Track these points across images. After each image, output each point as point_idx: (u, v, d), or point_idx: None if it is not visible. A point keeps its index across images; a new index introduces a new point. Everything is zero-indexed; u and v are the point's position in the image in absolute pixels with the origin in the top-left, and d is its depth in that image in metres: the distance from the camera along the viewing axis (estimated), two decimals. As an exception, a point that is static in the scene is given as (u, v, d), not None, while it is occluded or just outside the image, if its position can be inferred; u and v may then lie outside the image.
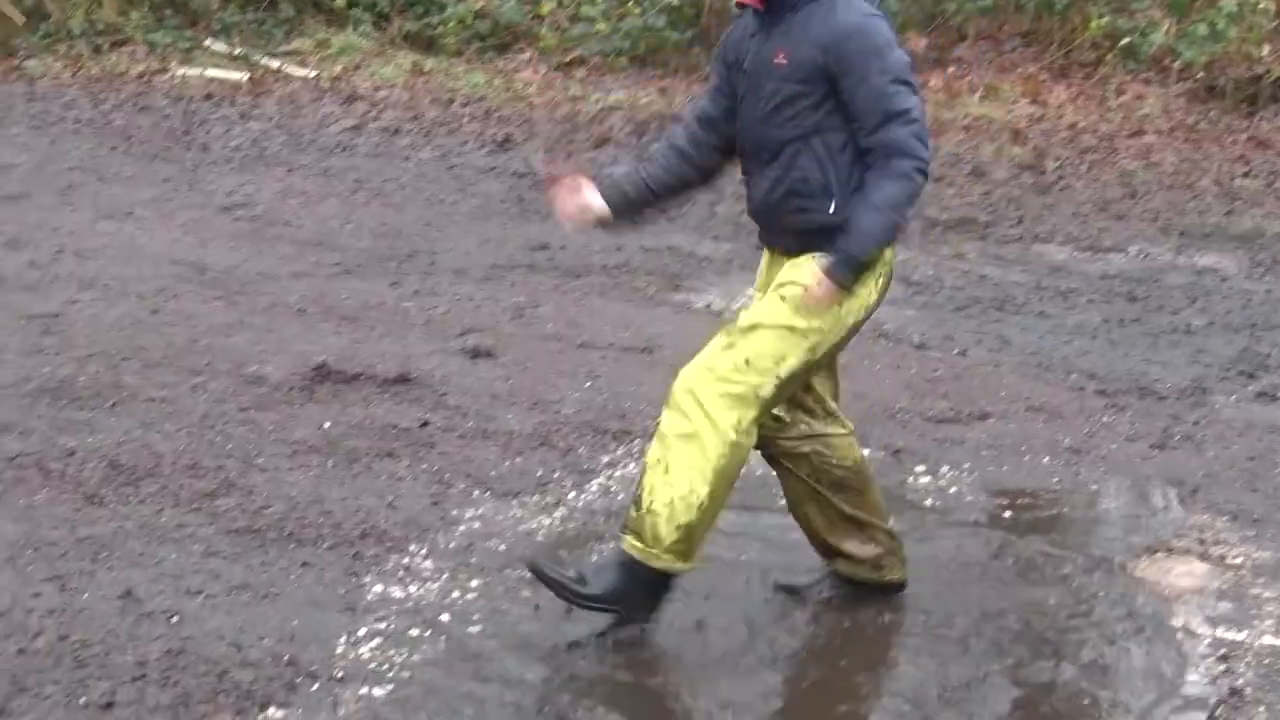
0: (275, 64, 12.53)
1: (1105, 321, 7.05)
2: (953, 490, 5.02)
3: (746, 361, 3.68)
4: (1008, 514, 4.88)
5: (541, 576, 3.83)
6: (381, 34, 13.19)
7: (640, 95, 12.02)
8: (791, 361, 3.68)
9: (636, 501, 3.77)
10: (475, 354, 6.11)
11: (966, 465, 5.20)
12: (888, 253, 3.77)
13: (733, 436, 3.67)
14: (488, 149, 10.47)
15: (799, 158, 3.71)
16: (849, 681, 3.84)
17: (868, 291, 3.75)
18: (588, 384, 5.83)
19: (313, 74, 12.36)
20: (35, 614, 3.81)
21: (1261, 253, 8.31)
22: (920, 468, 5.17)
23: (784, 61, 3.68)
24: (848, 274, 3.64)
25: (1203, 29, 11.64)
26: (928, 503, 4.93)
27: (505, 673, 3.74)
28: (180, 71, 12.26)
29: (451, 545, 4.43)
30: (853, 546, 4.02)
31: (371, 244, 7.91)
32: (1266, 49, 11.72)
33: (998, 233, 8.70)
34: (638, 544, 3.75)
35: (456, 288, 7.15)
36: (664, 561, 3.74)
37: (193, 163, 9.69)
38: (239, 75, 12.21)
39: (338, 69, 12.51)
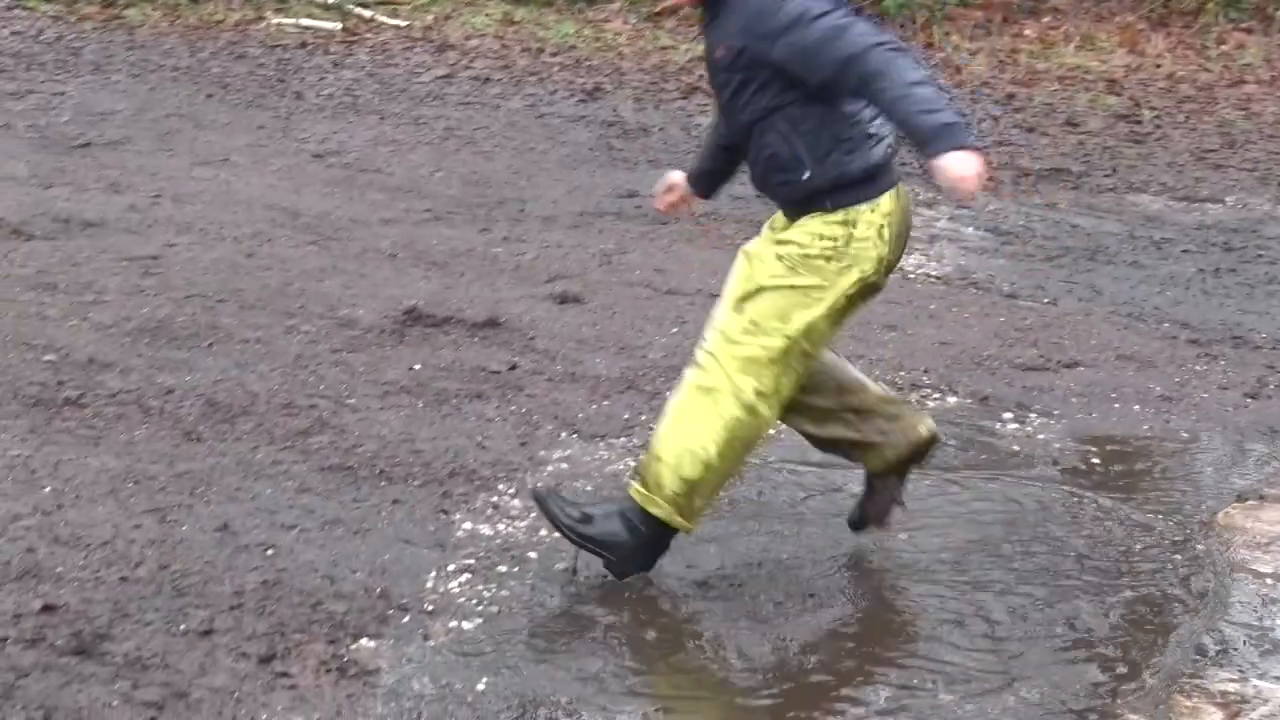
0: (368, 13, 12.59)
1: (1200, 271, 6.96)
2: (1041, 437, 4.99)
3: (754, 323, 3.70)
4: (1096, 460, 4.86)
5: (543, 508, 3.89)
6: (474, -18, 13.19)
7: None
8: (798, 320, 3.68)
9: (649, 446, 3.82)
10: (563, 299, 6.15)
11: (1055, 412, 5.18)
12: (886, 205, 3.71)
13: (750, 398, 3.69)
14: (577, 98, 10.47)
15: (766, 136, 3.70)
16: (925, 618, 3.85)
17: (869, 247, 3.69)
18: (674, 330, 5.84)
19: (405, 23, 12.41)
20: (136, 544, 3.90)
21: (1365, 202, 8.18)
22: (1008, 414, 5.16)
23: (722, 54, 3.70)
24: (960, 136, 3.46)
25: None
26: (1015, 448, 4.91)
27: (588, 609, 3.80)
28: (275, 20, 12.35)
29: (539, 485, 4.48)
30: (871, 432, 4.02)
31: (461, 191, 7.96)
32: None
33: (1091, 183, 8.60)
34: (640, 489, 3.79)
35: (545, 234, 7.18)
36: (662, 510, 3.77)
37: (286, 110, 9.77)
38: (332, 24, 12.28)
39: (429, 18, 12.54)
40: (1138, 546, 4.22)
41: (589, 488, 4.46)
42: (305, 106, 9.95)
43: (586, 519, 3.85)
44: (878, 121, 3.70)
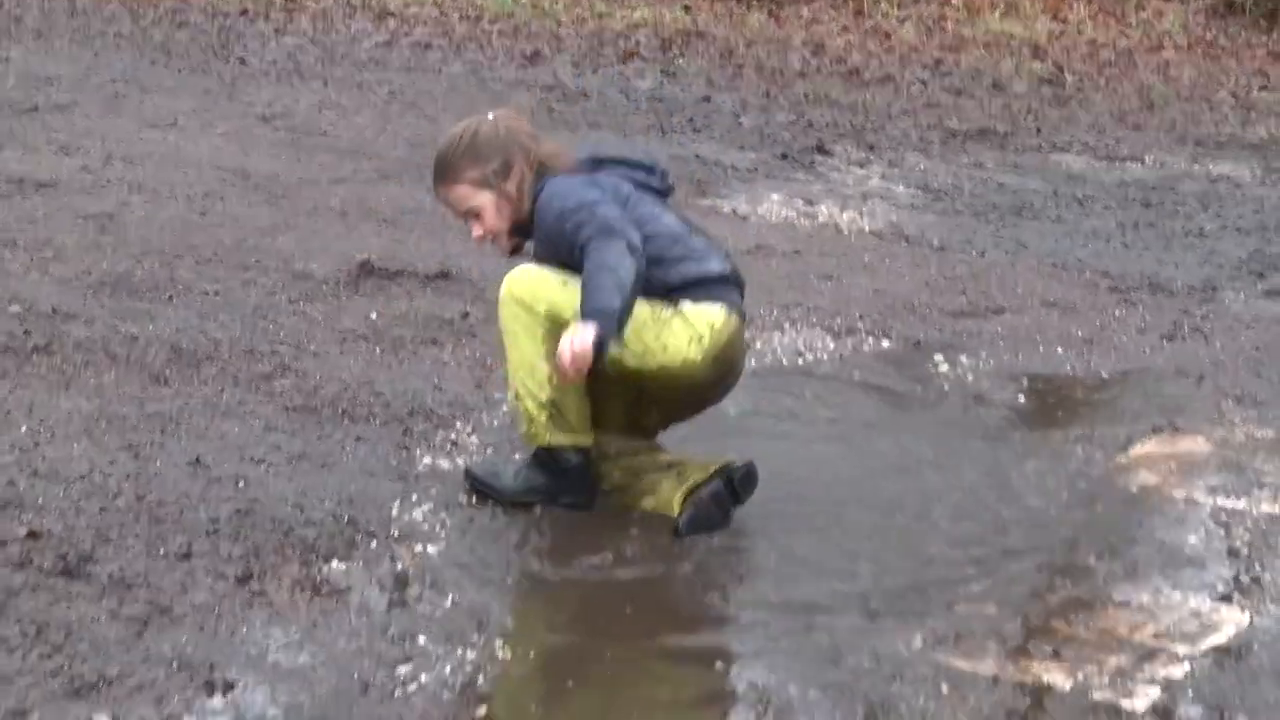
0: (306, -19, 12.62)
1: (1120, 226, 7.20)
2: (969, 379, 5.20)
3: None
4: (1021, 399, 5.07)
5: (473, 480, 4.15)
6: (410, -48, 13.24)
7: (665, 12, 12.12)
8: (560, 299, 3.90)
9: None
10: (511, 252, 6.26)
11: (983, 354, 5.39)
12: (716, 320, 3.93)
13: (540, 312, 3.91)
14: (517, 63, 10.59)
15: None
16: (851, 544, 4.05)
17: (681, 344, 3.90)
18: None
19: (344, -10, 12.46)
20: (113, 478, 4.02)
21: (1276, 160, 8.47)
22: (939, 356, 5.36)
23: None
24: (606, 323, 3.67)
25: (1223, -57, 11.69)
26: (945, 388, 5.12)
27: (541, 534, 3.98)
28: (214, -12, 12.37)
29: (495, 423, 4.63)
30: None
31: (407, 153, 8.04)
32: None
33: (1016, 142, 8.85)
34: (524, 432, 4.05)
35: (491, 193, 7.30)
36: (552, 438, 4.00)
37: (230, 76, 9.82)
38: (272, -9, 12.32)
39: (368, -15, 12.60)
40: (1063, 474, 4.43)
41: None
42: (249, 72, 10.01)
43: (514, 478, 4.10)
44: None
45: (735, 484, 4.04)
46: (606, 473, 4.15)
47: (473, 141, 4.00)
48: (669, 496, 4.04)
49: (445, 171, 4.05)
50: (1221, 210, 7.48)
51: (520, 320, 3.95)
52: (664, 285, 3.91)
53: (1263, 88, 10.23)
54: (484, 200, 4.03)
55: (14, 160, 7.27)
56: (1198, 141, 8.86)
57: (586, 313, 3.68)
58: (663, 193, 4.15)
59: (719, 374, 4.02)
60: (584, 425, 4.04)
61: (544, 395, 3.94)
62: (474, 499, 4.11)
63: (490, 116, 4.10)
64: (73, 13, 11.42)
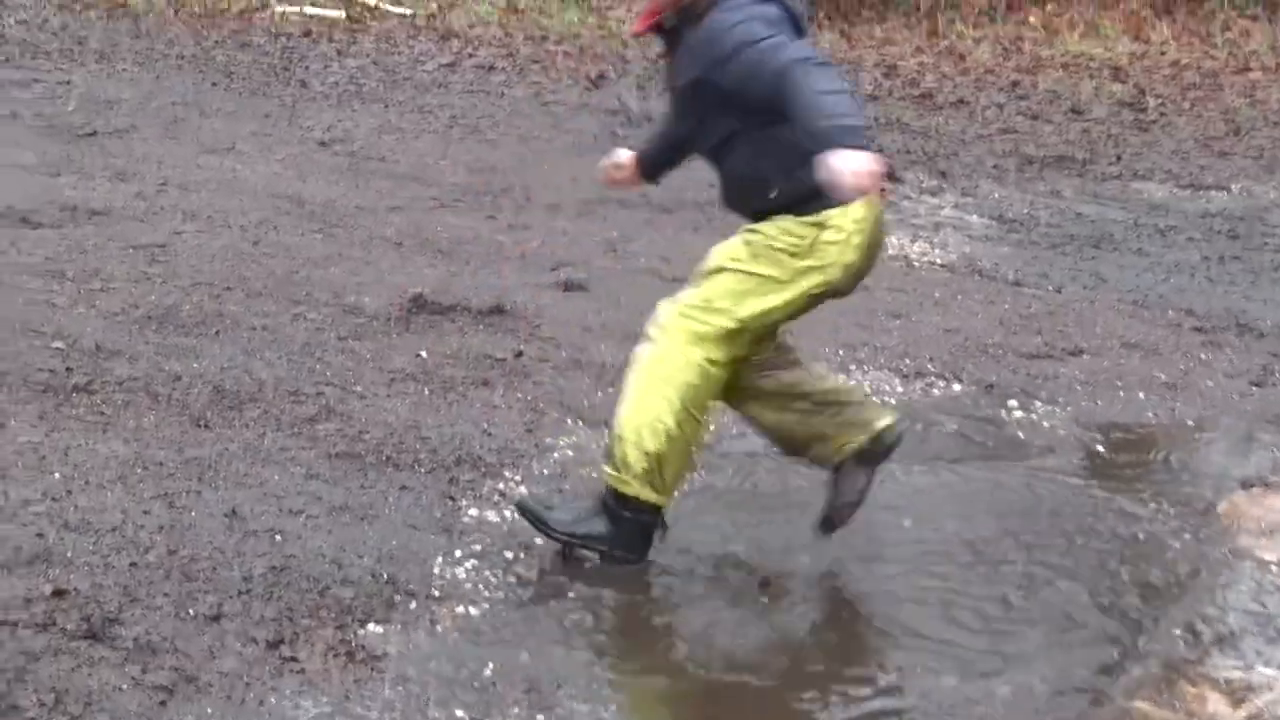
0: (372, 2, 12.60)
1: (1205, 259, 6.97)
2: (1046, 425, 5.00)
3: (707, 301, 3.73)
4: (1101, 448, 4.86)
5: (526, 514, 3.94)
6: (477, -28, 13.20)
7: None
8: (751, 306, 3.71)
9: (612, 427, 3.85)
10: (568, 287, 6.16)
11: (1061, 400, 5.19)
12: (859, 213, 3.66)
13: (699, 364, 3.72)
14: (581, 86, 10.49)
15: (730, 160, 3.77)
16: (927, 604, 3.87)
17: (838, 252, 3.68)
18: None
19: (409, 12, 12.43)
20: (145, 530, 3.90)
21: (1368, 190, 8.18)
22: (1013, 402, 5.16)
23: (679, 84, 3.82)
24: (848, 139, 3.35)
25: (1313, -36, 11.42)
26: (1020, 436, 4.92)
27: (593, 595, 3.81)
28: (279, 9, 12.36)
29: (545, 472, 4.49)
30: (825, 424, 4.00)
31: (466, 179, 7.97)
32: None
33: (1096, 170, 8.62)
34: (611, 471, 3.83)
35: (550, 222, 7.19)
36: (632, 488, 3.80)
37: (291, 99, 9.79)
38: (337, 12, 12.30)
39: (433, 6, 12.57)
40: (1142, 534, 4.23)
41: (595, 474, 4.43)
42: (310, 95, 9.97)
43: (572, 518, 3.91)
44: None
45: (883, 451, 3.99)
46: (758, 414, 4.01)
47: None
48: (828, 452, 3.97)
49: None
50: (1313, 243, 7.23)
51: (671, 364, 3.74)
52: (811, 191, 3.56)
53: (1354, 112, 9.95)
54: None
55: (69, 186, 7.24)
56: (1288, 171, 8.61)
57: (838, 134, 3.35)
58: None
59: (871, 258, 3.82)
60: (675, 486, 3.88)
61: (652, 446, 3.76)
62: (521, 554, 3.96)
63: None
64: (136, 35, 11.46)
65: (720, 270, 3.76)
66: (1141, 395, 5.27)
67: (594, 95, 10.21)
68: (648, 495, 3.82)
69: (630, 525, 3.88)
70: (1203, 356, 5.66)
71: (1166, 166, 8.68)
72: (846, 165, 3.33)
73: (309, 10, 12.33)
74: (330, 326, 5.56)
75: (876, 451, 3.98)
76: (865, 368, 5.40)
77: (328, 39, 11.68)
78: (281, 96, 9.84)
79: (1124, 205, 7.92)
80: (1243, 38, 11.65)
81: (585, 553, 3.94)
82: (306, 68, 10.76)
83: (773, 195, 3.70)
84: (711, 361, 3.73)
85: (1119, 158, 8.83)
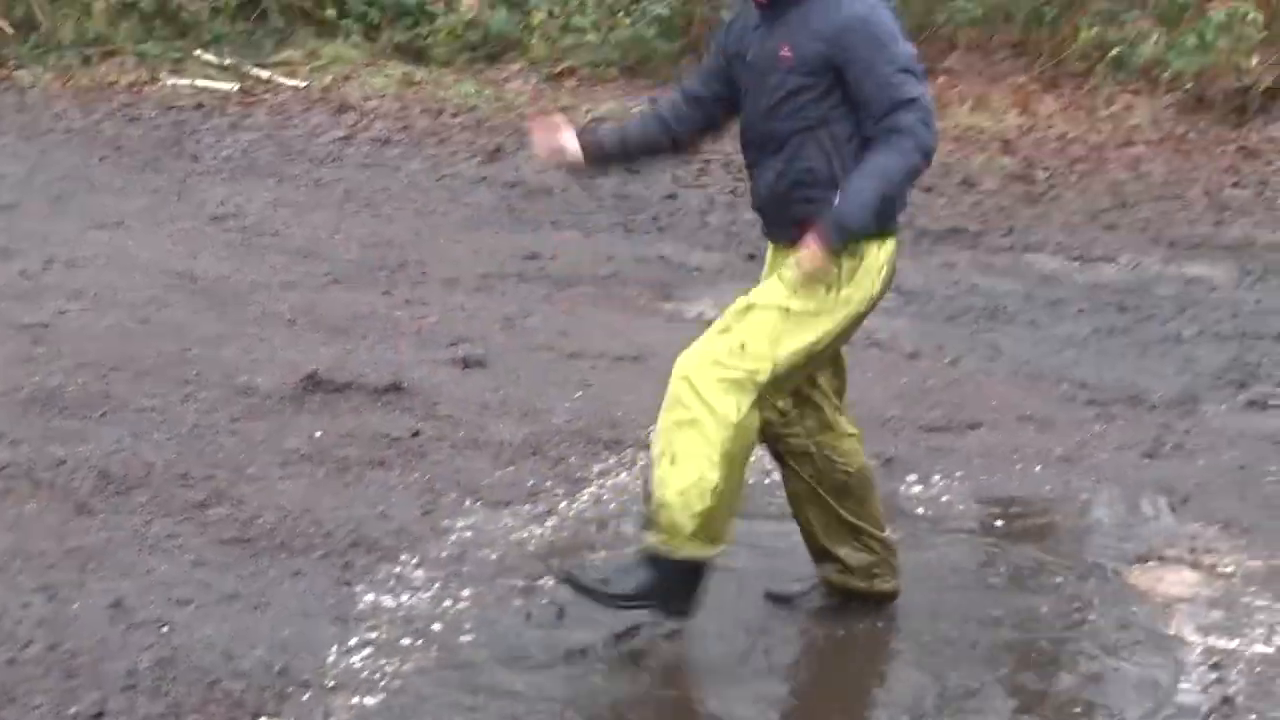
0: (265, 74, 12.51)
1: (1095, 331, 7.04)
2: (945, 499, 5.00)
3: (742, 346, 3.64)
4: (999, 523, 4.87)
5: (575, 585, 3.81)
6: (371, 44, 13.16)
7: (630, 105, 11.99)
8: (789, 346, 3.63)
9: (648, 497, 3.75)
10: (466, 363, 6.10)
11: (959, 474, 5.20)
12: (890, 246, 3.73)
13: (734, 419, 3.62)
14: (478, 159, 10.45)
15: (805, 149, 3.67)
16: (844, 691, 3.84)
17: (870, 282, 3.70)
18: (579, 394, 5.82)
19: (303, 84, 12.35)
20: (25, 624, 3.79)
21: (1251, 262, 8.29)
22: (912, 476, 5.16)
23: (789, 55, 3.64)
24: (837, 239, 3.55)
25: (1191, 40, 11.65)
26: (920, 511, 4.92)
27: (496, 683, 3.74)
28: (170, 82, 12.23)
29: (443, 554, 4.42)
30: (846, 553, 4.00)
31: (361, 254, 7.90)
32: (1255, 60, 11.72)
33: (988, 242, 8.70)
34: (661, 538, 3.72)
35: (447, 297, 7.14)
36: (689, 550, 3.72)
37: (183, 173, 9.67)
38: (229, 85, 12.19)
39: (328, 79, 12.49)
40: (1038, 610, 4.24)
41: (494, 556, 4.41)
42: (202, 169, 9.85)
43: (608, 581, 3.80)
44: None
45: None
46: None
47: None
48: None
49: None
50: (1198, 315, 7.32)
51: (707, 424, 3.64)
52: None
53: (1235, 185, 10.10)
54: None
55: (-53, 264, 7.08)
56: (1171, 242, 8.71)
57: (836, 222, 3.54)
58: None
59: (886, 291, 3.85)
60: (727, 533, 3.81)
61: (700, 507, 3.66)
62: (419, 641, 3.89)
63: None
64: (21, 107, 11.29)
65: (751, 308, 3.68)
66: (1038, 469, 5.29)
67: (491, 168, 10.17)
68: (704, 552, 3.76)
69: (682, 580, 3.79)
70: (1096, 429, 5.71)
71: (1056, 238, 8.79)
72: (813, 251, 3.52)
73: (200, 83, 12.21)
74: (222, 407, 5.46)
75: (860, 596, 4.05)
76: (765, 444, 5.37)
77: (220, 112, 11.57)
78: (172, 170, 9.71)
79: (1016, 277, 8.00)
80: (1125, 111, 11.84)
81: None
82: (198, 141, 10.64)
83: (835, 198, 3.61)
84: (745, 413, 3.63)
85: (1010, 229, 8.92)
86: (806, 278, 3.59)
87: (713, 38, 4.02)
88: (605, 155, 4.07)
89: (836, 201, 3.57)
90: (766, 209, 3.84)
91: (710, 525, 3.70)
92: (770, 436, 3.87)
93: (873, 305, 3.78)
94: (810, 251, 3.55)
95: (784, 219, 3.76)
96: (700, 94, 3.95)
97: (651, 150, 4.09)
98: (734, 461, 3.68)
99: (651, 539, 3.75)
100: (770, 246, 3.95)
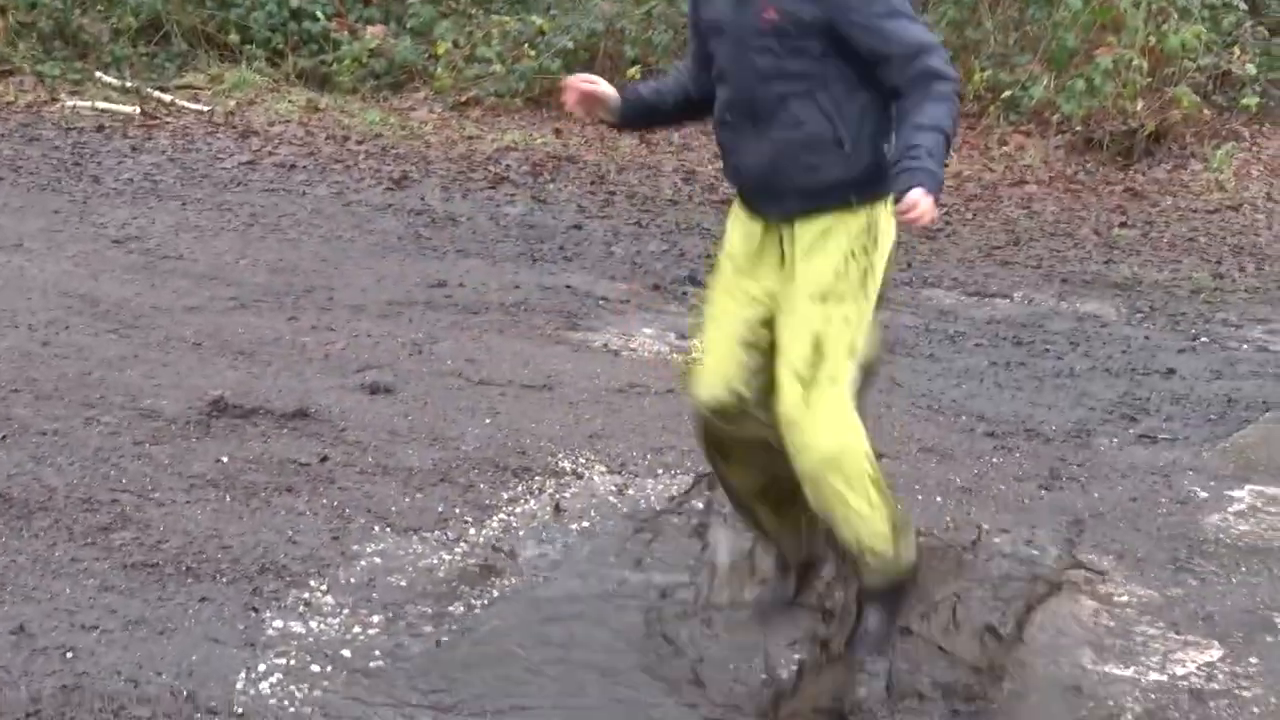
0: (168, 97, 12.35)
1: (992, 365, 7.14)
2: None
3: (833, 380, 3.57)
4: (902, 552, 4.90)
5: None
6: (276, 70, 13.04)
7: (535, 135, 12.02)
8: (857, 345, 3.60)
9: (843, 554, 3.75)
10: (374, 390, 6.05)
11: (861, 504, 5.23)
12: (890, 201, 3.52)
13: (855, 445, 3.63)
14: (384, 186, 10.39)
15: (803, 114, 3.51)
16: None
17: (889, 235, 3.63)
18: (487, 420, 5.79)
19: (206, 108, 12.20)
20: (-75, 649, 3.70)
21: (1139, 300, 8.47)
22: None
23: (774, 17, 3.47)
24: (937, 190, 3.37)
25: (1080, 84, 11.87)
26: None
27: (405, 708, 3.70)
28: (70, 103, 12.02)
29: (352, 580, 4.37)
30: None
31: (268, 279, 7.81)
32: (1140, 104, 11.97)
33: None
34: (874, 578, 3.75)
35: (354, 323, 7.07)
36: (902, 573, 3.78)
37: (83, 195, 9.50)
38: (130, 108, 12.00)
39: (231, 104, 12.35)
40: (939, 636, 4.24)
41: (403, 582, 4.38)
42: (103, 191, 9.69)
43: (880, 638, 3.84)
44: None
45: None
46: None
47: None
48: None
49: None
50: (1090, 350, 7.46)
51: (841, 468, 3.61)
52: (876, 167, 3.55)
53: (1122, 224, 10.31)
54: None
55: None
56: (1064, 279, 8.87)
57: (930, 176, 3.33)
58: None
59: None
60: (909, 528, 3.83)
61: (886, 529, 3.68)
62: (329, 668, 3.85)
63: None
64: (-82, 126, 11.04)
65: (820, 346, 3.56)
66: (939, 499, 5.34)
67: (397, 195, 10.11)
68: (911, 563, 3.79)
69: (907, 598, 3.84)
70: (994, 461, 5.78)
71: (953, 274, 8.90)
72: (925, 205, 3.33)
73: (100, 105, 12.01)
74: (126, 431, 5.37)
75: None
76: (673, 472, 5.37)
77: (121, 134, 11.39)
78: (72, 192, 9.54)
79: (915, 311, 8.08)
80: (1018, 151, 12.03)
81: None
82: (99, 163, 10.46)
83: (846, 153, 3.51)
84: (858, 421, 3.63)
85: (909, 265, 9.01)
86: (928, 221, 3.37)
87: (688, 17, 3.85)
88: (643, 106, 3.91)
89: (913, 154, 3.37)
90: (759, 184, 3.65)
91: (902, 538, 3.74)
92: (728, 431, 3.77)
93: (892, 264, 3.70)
94: (926, 202, 3.33)
95: (784, 191, 3.58)
96: (695, 70, 3.82)
97: (686, 103, 3.88)
98: (875, 476, 3.69)
99: (870, 582, 3.75)
100: (742, 222, 3.75)
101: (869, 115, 3.53)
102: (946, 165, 3.55)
